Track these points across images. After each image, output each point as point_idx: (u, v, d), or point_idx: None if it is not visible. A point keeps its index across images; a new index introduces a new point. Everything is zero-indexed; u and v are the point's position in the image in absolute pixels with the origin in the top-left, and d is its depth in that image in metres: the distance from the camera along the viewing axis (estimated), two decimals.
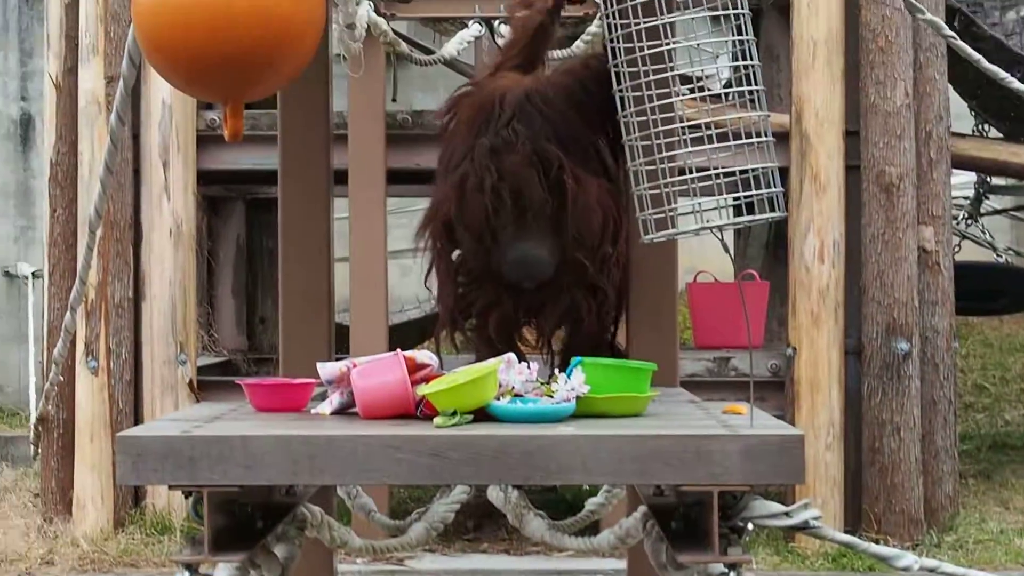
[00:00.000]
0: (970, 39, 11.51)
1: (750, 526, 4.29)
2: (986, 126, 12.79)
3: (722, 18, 4.53)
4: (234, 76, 4.23)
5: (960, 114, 11.97)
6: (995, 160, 12.26)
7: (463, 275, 6.06)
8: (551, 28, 6.29)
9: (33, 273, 15.54)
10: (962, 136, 11.97)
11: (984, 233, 14.69)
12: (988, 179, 14.20)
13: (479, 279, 5.98)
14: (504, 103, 5.73)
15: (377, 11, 9.64)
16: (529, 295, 5.80)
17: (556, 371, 4.75)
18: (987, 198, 14.79)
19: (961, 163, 11.71)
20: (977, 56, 7.22)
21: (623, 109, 4.70)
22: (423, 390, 4.47)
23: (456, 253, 6.01)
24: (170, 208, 11.01)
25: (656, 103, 4.62)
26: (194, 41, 4.11)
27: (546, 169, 5.50)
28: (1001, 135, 12.46)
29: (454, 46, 11.92)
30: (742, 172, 4.57)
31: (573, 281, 5.67)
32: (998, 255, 14.84)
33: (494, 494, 6.22)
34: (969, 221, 14.38)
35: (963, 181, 13.66)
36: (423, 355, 4.73)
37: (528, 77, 6.01)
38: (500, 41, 11.75)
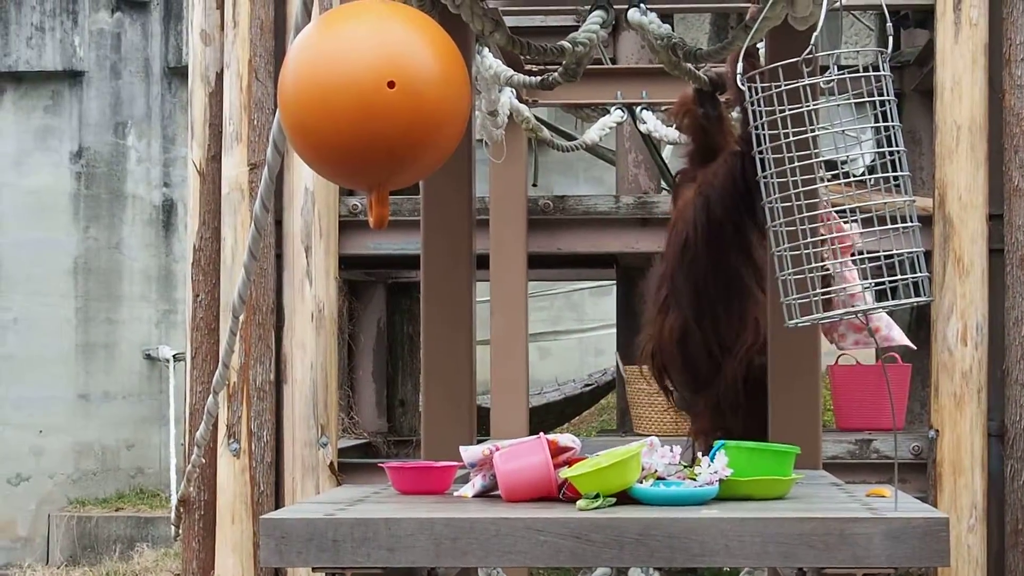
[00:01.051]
0: None
1: None
2: None
3: (867, 105, 4.52)
4: (381, 164, 4.24)
5: None
6: None
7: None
8: (713, 117, 6.46)
9: (174, 356, 15.65)
10: None
11: None
12: None
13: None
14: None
15: (519, 98, 9.67)
16: None
17: (699, 455, 4.74)
18: None
19: None
20: None
21: (767, 195, 4.69)
22: (566, 473, 4.49)
23: None
24: (312, 293, 11.07)
25: (800, 188, 4.61)
26: (341, 129, 4.13)
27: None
28: None
29: (595, 132, 11.96)
30: (887, 256, 4.55)
31: None
32: None
33: (635, 574, 6.25)
34: None
35: None
36: (565, 438, 4.74)
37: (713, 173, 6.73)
38: (642, 127, 11.78)
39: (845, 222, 5.25)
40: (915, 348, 7.46)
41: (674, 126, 7.85)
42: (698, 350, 6.71)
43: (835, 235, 5.06)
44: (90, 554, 14.67)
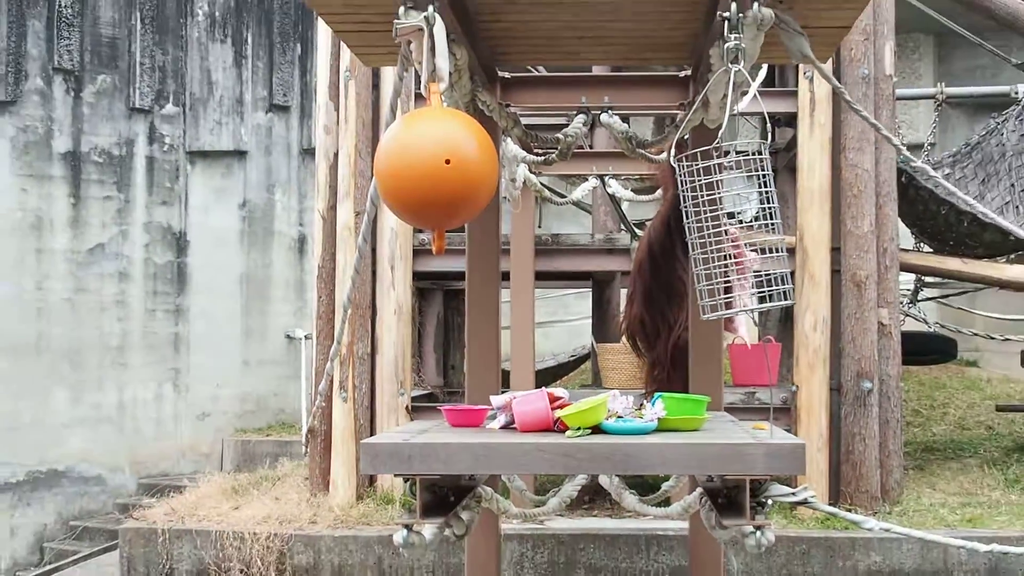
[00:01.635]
0: (913, 189, 11.49)
1: (770, 501, 4.30)
2: (921, 244, 12.71)
3: (754, 176, 4.53)
4: (440, 215, 4.27)
5: (905, 236, 11.89)
6: (927, 266, 12.18)
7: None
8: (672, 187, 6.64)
9: (305, 336, 15.65)
10: (906, 251, 11.89)
11: (920, 312, 14.58)
12: (922, 278, 14.10)
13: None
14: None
15: (530, 170, 9.68)
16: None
17: (645, 401, 4.75)
18: (922, 290, 14.68)
19: (905, 268, 11.64)
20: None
21: (690, 234, 4.70)
22: (559, 413, 4.50)
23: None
24: (395, 296, 11.07)
25: (710, 231, 4.62)
26: (415, 193, 4.17)
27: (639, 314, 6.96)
28: (931, 250, 12.38)
29: (579, 193, 12.03)
30: (766, 274, 4.57)
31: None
32: (929, 327, 14.71)
33: (603, 480, 6.25)
34: (910, 305, 14.27)
35: (907, 279, 13.55)
36: (559, 391, 4.75)
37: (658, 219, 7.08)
38: (609, 190, 11.79)
39: (751, 249, 5.26)
40: (748, 345, 7.50)
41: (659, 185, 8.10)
42: (650, 329, 6.86)
43: (738, 260, 5.07)
44: (249, 465, 14.67)
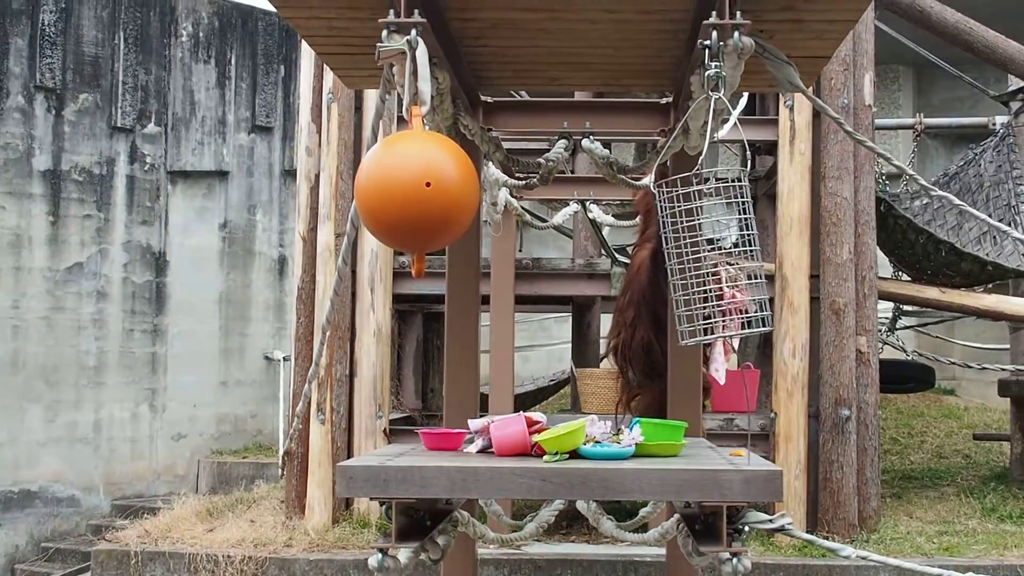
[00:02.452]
0: (891, 218, 11.53)
1: (747, 528, 4.30)
2: (900, 272, 12.75)
3: (733, 203, 4.53)
4: (420, 237, 4.27)
5: (884, 264, 11.93)
6: (906, 294, 12.21)
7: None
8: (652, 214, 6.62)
9: (284, 357, 15.66)
10: (884, 279, 11.93)
11: (898, 341, 14.62)
12: (901, 306, 14.15)
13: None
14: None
15: (511, 194, 9.70)
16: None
17: (623, 427, 4.75)
18: (900, 318, 14.72)
19: (884, 296, 11.68)
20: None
21: (668, 260, 4.71)
22: (537, 438, 4.49)
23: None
24: (374, 318, 11.07)
25: (689, 256, 4.63)
26: (395, 213, 4.16)
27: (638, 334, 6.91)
28: (909, 279, 12.42)
29: (560, 217, 12.02)
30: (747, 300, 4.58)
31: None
32: (907, 355, 14.75)
33: (581, 505, 6.24)
34: (888, 333, 14.31)
35: (885, 307, 13.59)
36: (536, 415, 4.75)
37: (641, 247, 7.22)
38: (590, 215, 11.83)
39: (734, 287, 5.27)
40: (722, 383, 7.54)
41: (637, 210, 8.20)
42: (657, 356, 6.84)
43: (722, 294, 5.07)
44: (225, 487, 14.66)
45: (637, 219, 10.34)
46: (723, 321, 4.66)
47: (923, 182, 6.20)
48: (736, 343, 12.05)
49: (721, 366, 7.40)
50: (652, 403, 7.15)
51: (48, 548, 14.64)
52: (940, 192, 6.16)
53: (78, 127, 15.26)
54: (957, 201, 6.10)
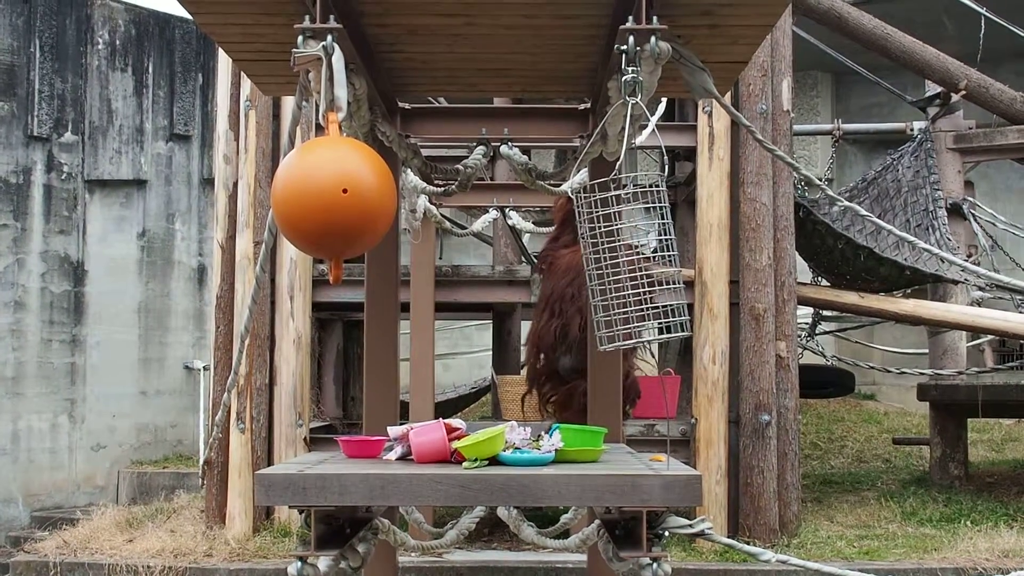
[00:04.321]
0: (810, 223, 11.60)
1: (667, 533, 4.31)
2: (819, 278, 12.83)
3: (652, 208, 4.54)
4: (337, 244, 4.26)
5: (803, 270, 12.00)
6: (825, 299, 12.31)
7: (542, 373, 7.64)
8: (571, 220, 6.68)
9: (204, 367, 15.56)
10: (804, 284, 12.02)
11: (818, 346, 14.72)
12: (820, 312, 14.24)
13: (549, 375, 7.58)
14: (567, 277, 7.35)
15: (430, 201, 9.68)
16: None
17: (542, 432, 4.74)
18: (820, 323, 14.82)
19: (803, 301, 11.76)
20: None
21: (587, 266, 4.71)
22: (456, 444, 4.48)
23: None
24: (294, 326, 11.02)
25: (607, 262, 4.63)
26: (312, 220, 4.15)
27: (580, 323, 7.04)
28: (828, 284, 12.49)
29: (479, 224, 12.03)
30: (664, 306, 4.58)
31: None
32: (827, 360, 14.85)
33: (501, 511, 6.24)
34: (808, 338, 14.40)
35: (804, 312, 13.69)
36: (456, 422, 4.74)
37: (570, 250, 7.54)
38: (509, 222, 11.83)
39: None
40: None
41: (554, 217, 8.37)
42: (574, 341, 7.31)
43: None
44: (145, 497, 14.53)
45: (533, 227, 10.40)
46: (641, 327, 4.66)
47: (831, 193, 6.24)
48: (655, 348, 12.12)
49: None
50: (568, 401, 7.25)
51: None
52: (847, 203, 6.19)
53: None
54: (864, 212, 6.14)
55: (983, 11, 14.17)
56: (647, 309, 4.63)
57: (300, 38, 4.41)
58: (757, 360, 10.66)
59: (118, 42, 16.26)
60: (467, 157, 6.28)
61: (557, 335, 7.42)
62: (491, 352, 14.38)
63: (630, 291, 4.65)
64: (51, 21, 15.60)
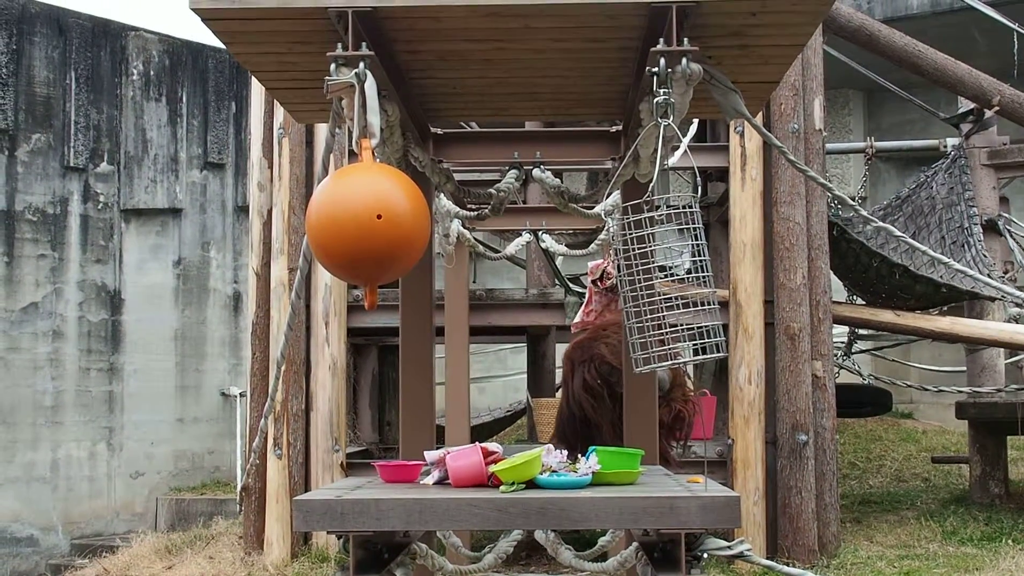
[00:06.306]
0: (844, 242, 11.57)
1: (705, 555, 4.29)
2: (854, 296, 12.78)
3: (685, 229, 4.53)
4: (372, 270, 4.27)
5: (838, 288, 11.97)
6: (860, 318, 12.26)
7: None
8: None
9: (240, 393, 15.60)
10: (839, 303, 11.98)
11: (854, 365, 14.65)
12: (856, 330, 14.18)
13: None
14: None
15: (464, 225, 9.68)
16: None
17: (579, 456, 4.74)
18: (856, 342, 14.76)
19: (839, 320, 11.72)
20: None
21: (622, 287, 4.71)
22: (493, 468, 4.47)
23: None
24: (329, 352, 11.05)
25: (642, 283, 4.63)
26: (347, 246, 4.15)
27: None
28: (864, 302, 12.45)
29: (512, 248, 11.99)
30: (699, 327, 4.57)
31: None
32: (864, 379, 14.78)
33: (539, 535, 6.23)
34: (844, 357, 14.34)
35: (840, 331, 13.64)
36: (493, 446, 4.72)
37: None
38: (543, 245, 11.84)
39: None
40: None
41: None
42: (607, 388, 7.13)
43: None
44: (183, 523, 14.56)
45: (591, 247, 10.38)
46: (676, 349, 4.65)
47: (865, 213, 6.21)
48: (691, 369, 12.11)
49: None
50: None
51: None
52: (880, 223, 6.16)
53: (31, 167, 15.17)
54: (897, 233, 6.12)
55: (1015, 27, 14.13)
56: (682, 330, 4.63)
57: (333, 66, 4.42)
58: (793, 380, 10.63)
59: (152, 72, 16.36)
60: (499, 181, 6.28)
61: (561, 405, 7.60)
62: (526, 375, 14.37)
63: (664, 312, 4.64)
64: (86, 53, 15.71)
